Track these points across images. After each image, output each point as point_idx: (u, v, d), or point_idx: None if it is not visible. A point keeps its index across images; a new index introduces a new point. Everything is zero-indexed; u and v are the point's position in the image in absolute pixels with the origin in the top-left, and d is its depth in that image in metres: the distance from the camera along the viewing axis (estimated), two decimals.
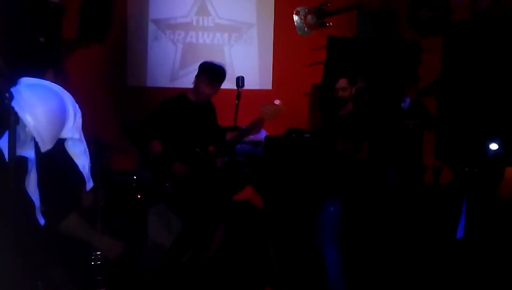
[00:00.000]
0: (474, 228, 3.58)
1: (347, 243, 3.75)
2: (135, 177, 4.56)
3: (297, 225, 4.11)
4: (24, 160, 1.84)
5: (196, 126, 3.70)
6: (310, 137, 4.88)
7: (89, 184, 2.07)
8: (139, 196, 4.62)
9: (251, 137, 4.30)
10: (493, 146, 3.46)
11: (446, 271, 3.73)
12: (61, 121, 1.86)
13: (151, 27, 5.71)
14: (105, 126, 4.78)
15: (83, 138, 1.98)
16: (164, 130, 3.63)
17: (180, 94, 3.79)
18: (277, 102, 3.77)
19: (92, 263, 2.25)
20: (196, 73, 3.72)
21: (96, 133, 3.48)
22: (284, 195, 4.36)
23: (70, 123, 1.88)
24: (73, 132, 1.90)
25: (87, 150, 2.01)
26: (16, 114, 1.67)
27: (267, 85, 5.90)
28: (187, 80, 5.57)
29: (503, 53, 3.53)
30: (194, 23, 5.77)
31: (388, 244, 4.10)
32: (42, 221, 1.91)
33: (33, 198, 1.89)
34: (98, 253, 2.24)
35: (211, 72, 3.68)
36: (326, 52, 5.36)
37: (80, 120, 1.94)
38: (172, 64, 5.78)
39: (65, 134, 1.89)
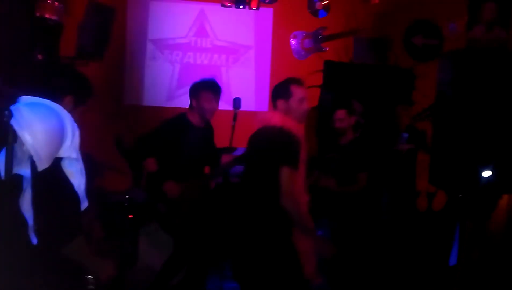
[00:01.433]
0: (466, 255, 3.56)
1: (338, 269, 3.71)
2: (127, 197, 4.51)
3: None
4: (19, 178, 1.82)
5: (194, 148, 3.68)
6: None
7: (84, 204, 2.05)
8: (130, 216, 4.57)
9: None
10: (486, 173, 3.48)
11: None
12: (59, 140, 1.85)
13: (149, 47, 5.74)
14: (101, 144, 4.75)
15: (80, 157, 1.97)
16: (162, 149, 3.61)
17: (181, 114, 3.74)
18: None
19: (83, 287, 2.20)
20: (190, 95, 3.72)
21: (91, 151, 3.46)
22: None
23: (68, 142, 1.88)
24: (70, 151, 1.90)
25: (83, 169, 2.00)
26: (14, 132, 1.66)
27: (264, 107, 5.93)
28: (183, 100, 5.59)
29: (497, 81, 3.58)
30: (192, 44, 5.81)
31: (380, 269, 4.07)
32: (34, 240, 1.89)
33: (26, 217, 1.87)
34: (90, 276, 2.19)
35: (212, 86, 3.69)
36: (322, 76, 5.40)
37: (78, 139, 1.94)
38: (169, 84, 5.80)
39: (62, 153, 1.88)
